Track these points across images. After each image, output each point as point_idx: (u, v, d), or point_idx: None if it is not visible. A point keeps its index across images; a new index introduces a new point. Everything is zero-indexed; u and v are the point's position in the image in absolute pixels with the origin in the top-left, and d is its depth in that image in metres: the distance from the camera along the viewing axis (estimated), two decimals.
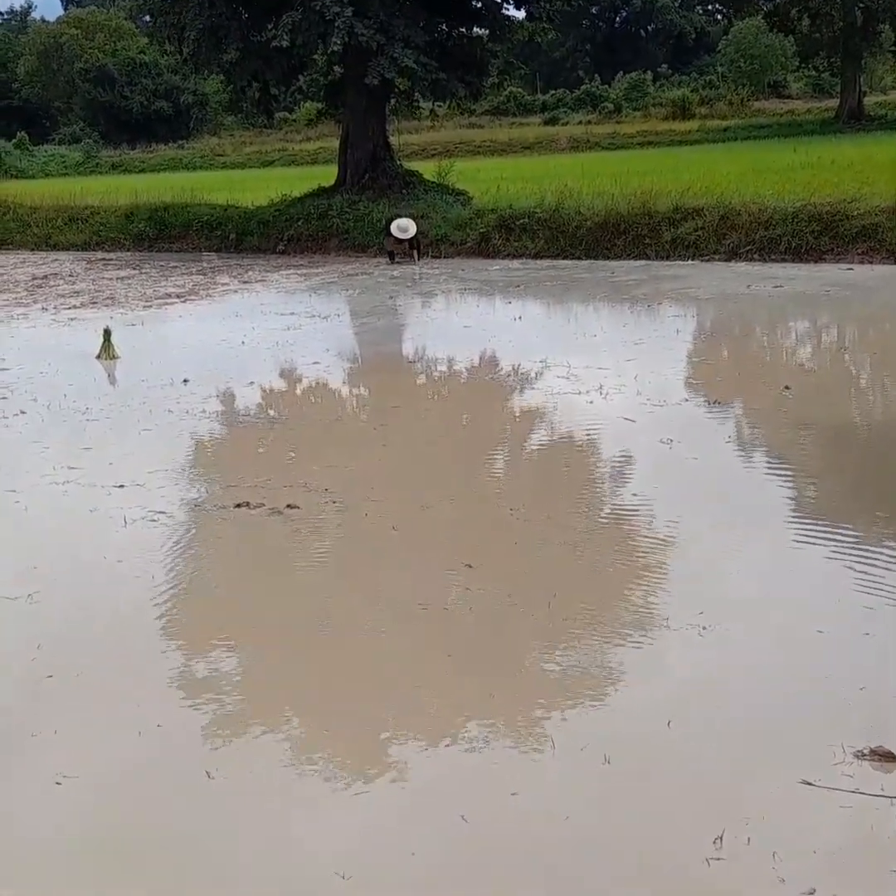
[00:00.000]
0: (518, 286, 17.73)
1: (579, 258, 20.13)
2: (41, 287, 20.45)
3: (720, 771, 4.45)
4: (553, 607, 5.91)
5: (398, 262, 20.88)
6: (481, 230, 21.53)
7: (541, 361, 11.82)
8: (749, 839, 3.96)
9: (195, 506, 7.89)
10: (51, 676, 5.39)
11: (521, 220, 21.14)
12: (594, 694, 5.07)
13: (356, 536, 7.29)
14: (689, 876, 3.86)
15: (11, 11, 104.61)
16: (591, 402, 10.03)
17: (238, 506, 7.69)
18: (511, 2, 24.61)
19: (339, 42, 21.46)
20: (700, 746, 4.62)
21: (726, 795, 4.28)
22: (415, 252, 20.94)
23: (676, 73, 71.75)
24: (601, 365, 11.40)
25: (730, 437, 9.20)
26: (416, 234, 20.81)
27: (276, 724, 4.96)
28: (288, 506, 7.60)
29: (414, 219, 21.05)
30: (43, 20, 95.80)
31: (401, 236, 20.74)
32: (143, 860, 4.08)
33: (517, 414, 10.59)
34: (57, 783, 4.48)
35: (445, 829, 4.14)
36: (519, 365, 11.93)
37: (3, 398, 11.23)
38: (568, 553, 6.80)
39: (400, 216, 21.16)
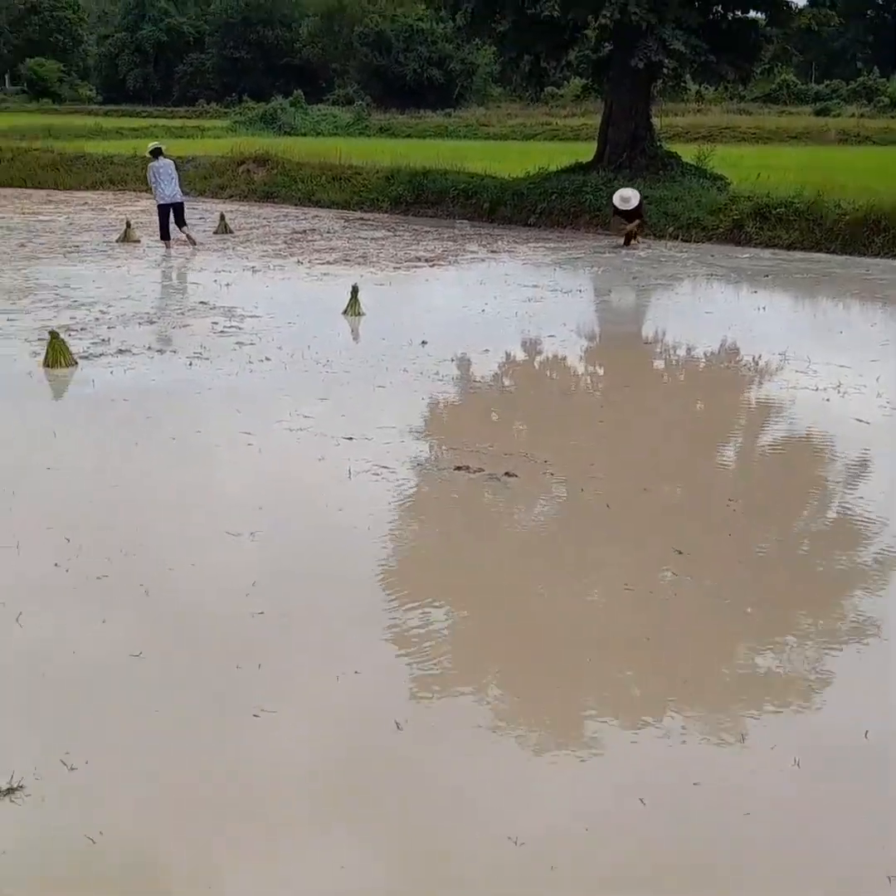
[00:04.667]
0: (766, 276, 17.28)
1: (834, 252, 19.46)
2: (299, 241, 21.14)
3: None
4: (759, 603, 5.82)
5: (633, 248, 20.48)
6: (735, 217, 21.07)
7: (780, 354, 11.55)
8: None
9: (417, 464, 8.08)
10: (261, 613, 5.64)
11: (778, 209, 20.58)
12: (791, 695, 4.98)
13: (570, 510, 7.34)
14: (864, 892, 3.78)
15: None
16: (827, 400, 9.75)
17: (458, 468, 7.84)
18: None
19: (609, 15, 21.23)
20: None
21: None
22: (638, 223, 20.35)
23: None
24: (843, 363, 11.05)
25: None
26: (640, 205, 20.23)
27: (469, 686, 5.07)
28: (506, 473, 7.70)
29: (642, 195, 20.47)
30: None
31: (622, 207, 20.15)
32: (319, 798, 4.28)
33: (748, 405, 10.37)
34: (255, 715, 4.72)
35: (623, 810, 4.16)
36: (758, 356, 11.66)
37: (252, 343, 11.72)
38: (781, 550, 6.67)
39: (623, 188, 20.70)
